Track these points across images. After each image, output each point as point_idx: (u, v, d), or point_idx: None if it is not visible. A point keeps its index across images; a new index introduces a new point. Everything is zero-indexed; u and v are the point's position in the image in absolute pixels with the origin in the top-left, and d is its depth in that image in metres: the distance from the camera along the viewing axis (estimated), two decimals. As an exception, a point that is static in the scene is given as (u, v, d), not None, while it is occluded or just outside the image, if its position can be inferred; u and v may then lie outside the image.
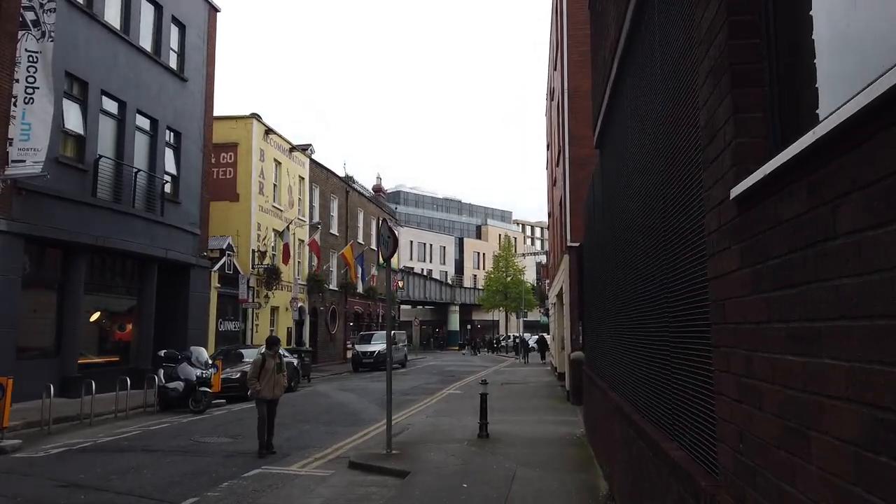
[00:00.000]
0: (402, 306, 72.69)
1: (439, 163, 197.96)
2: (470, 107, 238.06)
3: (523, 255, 77.80)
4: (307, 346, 32.44)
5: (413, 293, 65.31)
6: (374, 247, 44.84)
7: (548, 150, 29.06)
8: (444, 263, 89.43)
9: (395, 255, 57.27)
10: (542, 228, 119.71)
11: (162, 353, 15.68)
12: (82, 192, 16.48)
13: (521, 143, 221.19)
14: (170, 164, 20.96)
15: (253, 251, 26.89)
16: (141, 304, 19.66)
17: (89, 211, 16.63)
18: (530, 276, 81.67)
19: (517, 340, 50.99)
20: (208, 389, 14.63)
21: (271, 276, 27.52)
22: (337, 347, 37.22)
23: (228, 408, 15.64)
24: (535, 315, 72.35)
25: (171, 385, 14.78)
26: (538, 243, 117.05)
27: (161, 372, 15.19)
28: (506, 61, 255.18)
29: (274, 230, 28.41)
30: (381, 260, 44.69)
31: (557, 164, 20.33)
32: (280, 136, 29.88)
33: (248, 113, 27.43)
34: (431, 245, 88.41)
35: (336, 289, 37.59)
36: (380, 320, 45.27)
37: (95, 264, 17.91)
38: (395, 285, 49.68)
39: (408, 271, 67.42)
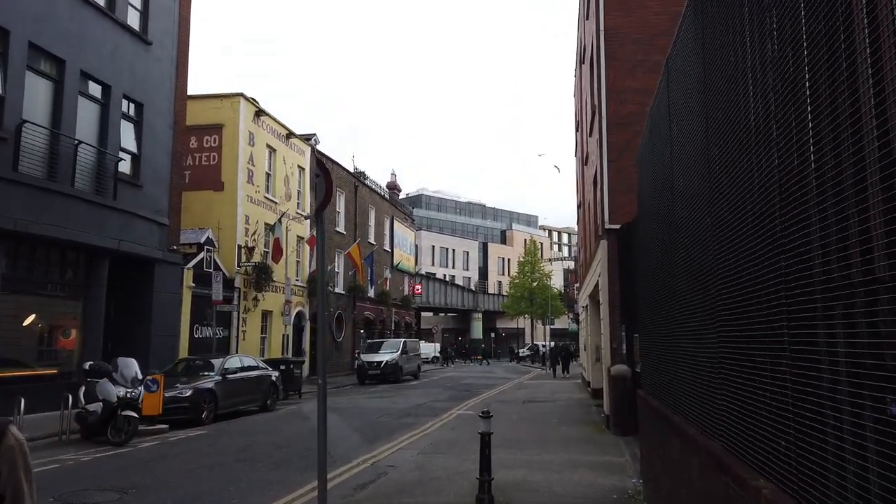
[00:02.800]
0: (424, 313, 69.26)
1: (462, 168, 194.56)
2: (494, 112, 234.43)
3: (550, 260, 73.75)
4: (307, 354, 29.06)
5: (434, 299, 61.86)
6: (387, 247, 41.45)
7: (576, 131, 25.35)
8: (467, 269, 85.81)
9: (415, 259, 54.15)
10: (569, 234, 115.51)
11: (87, 365, 12.31)
12: (-3, 163, 13.25)
13: (549, 148, 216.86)
14: (128, 141, 17.71)
15: (239, 247, 23.58)
16: (87, 306, 16.36)
17: (6, 187, 13.38)
18: (557, 282, 77.61)
19: (543, 350, 47.11)
20: (133, 414, 11.16)
21: (261, 276, 24.17)
22: (343, 357, 33.76)
23: (165, 437, 12.13)
24: (563, 322, 68.29)
25: (91, 407, 11.39)
26: (566, 250, 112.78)
27: (82, 390, 11.81)
28: (532, 64, 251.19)
29: (266, 224, 25.10)
30: (395, 263, 41.19)
31: (591, 134, 16.63)
32: (274, 120, 26.60)
33: (234, 91, 24.18)
34: (454, 250, 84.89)
35: (343, 292, 34.17)
36: (393, 327, 41.72)
37: (20, 255, 14.67)
38: (413, 290, 46.24)
39: (428, 276, 63.93)
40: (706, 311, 3.71)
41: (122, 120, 17.44)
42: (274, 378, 17.19)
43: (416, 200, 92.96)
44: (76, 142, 15.36)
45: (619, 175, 13.43)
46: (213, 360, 15.51)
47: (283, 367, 20.78)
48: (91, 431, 11.43)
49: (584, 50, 18.47)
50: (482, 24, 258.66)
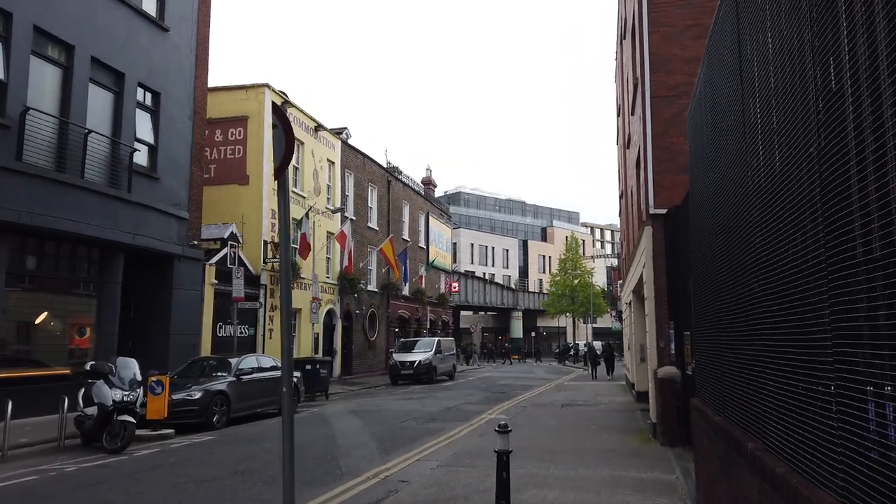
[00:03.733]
0: (464, 312, 68.11)
1: (501, 165, 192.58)
2: (533, 108, 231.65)
3: (592, 257, 71.61)
4: (338, 353, 28.20)
5: (472, 298, 60.65)
6: (422, 244, 40.43)
7: (618, 116, 23.81)
8: (506, 267, 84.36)
9: (454, 256, 53.06)
10: (612, 231, 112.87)
11: (88, 365, 11.47)
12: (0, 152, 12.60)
13: (590, 145, 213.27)
14: (145, 131, 17.03)
15: (265, 242, 22.80)
16: (102, 303, 15.69)
17: (8, 177, 12.72)
18: (600, 280, 75.47)
19: (585, 350, 45.40)
20: (129, 419, 10.26)
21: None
22: (377, 356, 32.84)
23: (167, 444, 11.21)
24: (605, 321, 66.26)
25: (89, 411, 10.55)
26: (609, 247, 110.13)
27: (82, 392, 11.00)
28: (571, 59, 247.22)
29: (293, 219, 24.26)
30: (430, 260, 40.17)
31: (633, 112, 15.20)
32: (301, 111, 25.78)
33: (260, 82, 23.41)
34: (493, 248, 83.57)
35: (376, 290, 33.25)
36: (429, 325, 40.64)
37: (28, 249, 14.05)
38: (449, 288, 45.14)
39: (467, 275, 62.75)
40: (815, 301, 2.42)
41: (138, 109, 16.76)
42: (294, 379, 16.21)
43: (455, 198, 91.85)
44: (86, 131, 14.67)
45: (666, 153, 12.02)
46: (228, 360, 14.62)
47: (308, 368, 19.90)
48: (88, 437, 10.62)
49: (626, 23, 17.00)
50: (522, 19, 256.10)
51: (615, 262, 63.26)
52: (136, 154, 16.47)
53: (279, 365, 16.60)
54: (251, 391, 14.29)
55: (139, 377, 10.86)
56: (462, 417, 15.00)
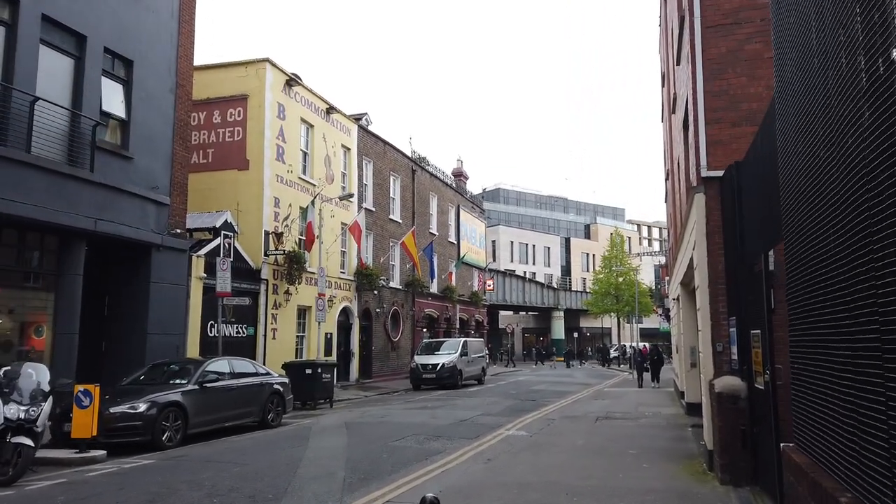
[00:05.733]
0: (503, 312, 65.26)
1: (540, 165, 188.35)
2: (575, 104, 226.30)
3: (639, 255, 67.85)
4: (355, 356, 25.94)
5: (510, 297, 57.93)
6: (452, 239, 37.96)
7: (662, 86, 20.85)
8: (548, 266, 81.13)
9: (492, 254, 50.45)
10: (660, 229, 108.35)
11: (2, 371, 9.30)
12: (-86, 119, 10.64)
13: (635, 139, 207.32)
14: (115, 104, 15.02)
15: (266, 233, 20.65)
16: (60, 298, 13.68)
17: (-75, 149, 10.75)
18: (647, 278, 71.58)
19: (630, 352, 42.20)
20: (26, 441, 8.04)
21: (294, 267, 21.17)
22: (402, 358, 30.46)
23: (82, 471, 8.84)
24: (653, 322, 62.53)
25: (-12, 429, 8.38)
26: (656, 245, 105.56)
27: (-15, 405, 8.84)
28: (614, 50, 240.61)
29: (300, 208, 22.09)
30: (461, 255, 37.69)
31: (678, 61, 12.38)
32: (309, 90, 23.60)
33: (259, 57, 21.29)
34: (534, 246, 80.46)
35: (400, 287, 30.89)
36: (459, 325, 38.07)
37: (-40, 235, 12.11)
38: (482, 286, 42.55)
39: (506, 273, 60.04)
40: None
41: (106, 79, 14.73)
42: (278, 386, 13.89)
43: (494, 194, 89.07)
44: (32, 98, 12.66)
45: (722, 100, 9.24)
46: (189, 366, 12.37)
47: (308, 372, 17.64)
48: (-14, 462, 8.46)
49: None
50: (554, 12, 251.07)
51: (663, 259, 59.53)
52: (102, 129, 14.47)
53: (260, 370, 14.38)
54: (217, 402, 12.01)
55: (46, 388, 8.64)
56: (472, 434, 12.44)
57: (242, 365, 13.58)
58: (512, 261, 75.67)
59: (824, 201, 3.22)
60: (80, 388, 9.52)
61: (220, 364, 12.86)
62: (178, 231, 16.56)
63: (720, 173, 8.82)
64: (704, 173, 9.13)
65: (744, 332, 7.97)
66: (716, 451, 8.34)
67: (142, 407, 10.39)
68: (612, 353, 54.66)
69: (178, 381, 11.68)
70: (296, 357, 21.48)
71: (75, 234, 13.66)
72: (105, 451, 9.69)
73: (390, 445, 11.13)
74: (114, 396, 10.81)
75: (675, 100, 14.14)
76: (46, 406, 8.43)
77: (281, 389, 13.95)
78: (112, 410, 10.14)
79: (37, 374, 8.57)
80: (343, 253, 25.91)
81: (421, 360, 25.56)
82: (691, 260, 10.77)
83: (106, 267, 15.56)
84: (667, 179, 21.06)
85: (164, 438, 10.57)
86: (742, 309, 8.09)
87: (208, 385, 11.85)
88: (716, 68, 9.24)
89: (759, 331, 7.13)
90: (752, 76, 9.09)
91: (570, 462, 9.50)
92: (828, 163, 3.14)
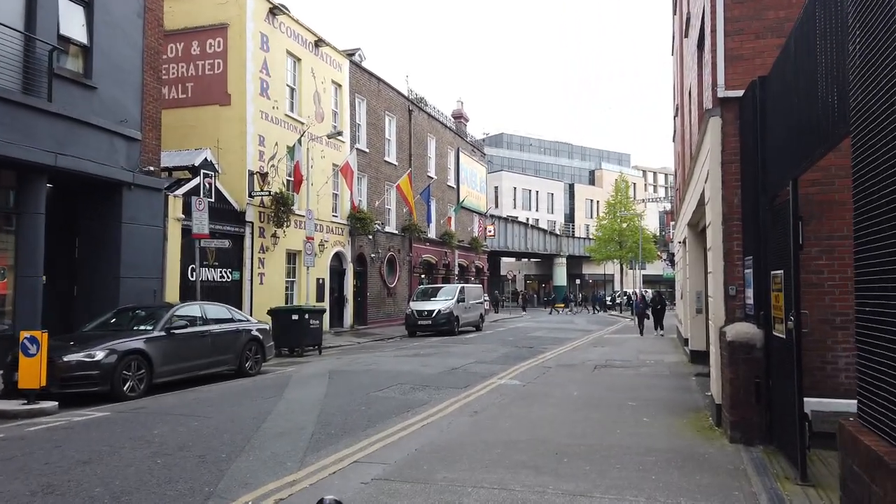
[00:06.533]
0: (504, 259, 64.44)
1: (544, 111, 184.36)
2: (580, 47, 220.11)
3: (643, 201, 66.42)
4: (349, 302, 25.20)
5: (512, 243, 57.07)
6: (451, 183, 36.78)
7: (674, 13, 19.30)
8: (551, 212, 79.94)
9: (495, 200, 49.43)
10: (666, 175, 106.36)
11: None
12: None
13: (642, 86, 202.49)
14: (75, 28, 13.75)
15: (251, 173, 19.56)
16: (20, 239, 12.74)
17: None
18: (652, 225, 70.45)
19: (631, 298, 41.50)
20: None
21: (280, 209, 20.15)
22: (398, 304, 29.73)
23: (22, 426, 8.06)
24: (656, 268, 61.77)
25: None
26: (662, 192, 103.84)
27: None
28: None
29: (287, 147, 20.92)
30: (460, 200, 36.58)
31: (694, -28, 11.03)
32: (295, 21, 22.11)
33: (241, -18, 19.75)
34: (537, 192, 79.08)
35: (396, 231, 29.93)
36: (458, 271, 37.26)
37: None
38: (482, 231, 41.55)
39: (507, 219, 58.95)
40: None
41: (64, 0, 13.45)
42: (257, 333, 13.08)
43: (497, 140, 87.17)
44: (-27, 17, 11.44)
45: (745, 6, 8.01)
46: (158, 311, 11.51)
47: (294, 318, 16.84)
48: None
49: None
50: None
51: (668, 205, 58.18)
52: (62, 56, 13.28)
53: (236, 316, 13.50)
54: (187, 350, 11.19)
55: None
56: (461, 384, 11.66)
57: (217, 310, 12.72)
58: (515, 207, 74.46)
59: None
60: (26, 334, 8.68)
61: (192, 309, 12.01)
62: (152, 169, 15.48)
63: (740, 93, 7.69)
64: (722, 93, 7.99)
65: (761, 274, 7.00)
66: (724, 406, 7.48)
67: (99, 355, 9.56)
68: (614, 300, 54.15)
69: (143, 328, 10.85)
70: (285, 303, 20.69)
71: (34, 168, 12.63)
72: (56, 403, 8.92)
73: (371, 396, 10.34)
74: (72, 343, 9.99)
75: (688, 20, 12.80)
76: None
77: (260, 336, 13.14)
78: (66, 359, 9.32)
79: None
80: (335, 196, 24.84)
81: (416, 306, 24.82)
82: (702, 196, 9.71)
83: (74, 207, 14.63)
84: (675, 116, 19.76)
85: (125, 389, 9.78)
86: (760, 247, 7.09)
87: (177, 331, 11.02)
88: (739, -29, 7.98)
89: (781, 271, 6.16)
90: (780, -22, 7.85)
91: (563, 416, 8.68)
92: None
